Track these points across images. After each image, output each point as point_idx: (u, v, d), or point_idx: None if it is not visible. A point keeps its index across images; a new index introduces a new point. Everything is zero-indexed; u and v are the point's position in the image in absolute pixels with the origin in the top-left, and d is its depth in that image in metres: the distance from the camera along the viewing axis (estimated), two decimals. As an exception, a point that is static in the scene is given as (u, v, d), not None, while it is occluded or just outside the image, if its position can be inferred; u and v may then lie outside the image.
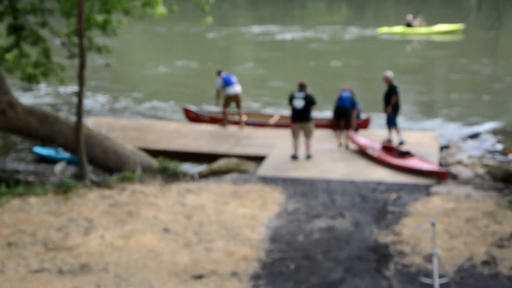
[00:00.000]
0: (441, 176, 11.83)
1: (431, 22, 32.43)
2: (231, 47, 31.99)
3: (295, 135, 13.11)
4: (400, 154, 12.80)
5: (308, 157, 13.15)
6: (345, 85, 14.85)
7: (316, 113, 17.62)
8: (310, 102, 12.89)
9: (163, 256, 8.71)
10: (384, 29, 32.21)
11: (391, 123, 13.99)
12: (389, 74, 14.03)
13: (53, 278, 8.12)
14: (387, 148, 13.21)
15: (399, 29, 31.99)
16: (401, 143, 13.86)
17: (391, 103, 13.78)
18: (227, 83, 15.28)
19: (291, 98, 12.98)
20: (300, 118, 12.93)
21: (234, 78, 15.46)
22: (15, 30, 13.89)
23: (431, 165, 12.21)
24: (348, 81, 17.30)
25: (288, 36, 33.05)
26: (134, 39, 33.20)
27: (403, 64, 25.16)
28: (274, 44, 31.27)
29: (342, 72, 24.48)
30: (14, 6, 13.68)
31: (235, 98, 15.40)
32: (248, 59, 29.07)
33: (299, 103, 12.87)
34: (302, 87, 12.98)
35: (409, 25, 31.86)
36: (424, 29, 31.64)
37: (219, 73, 15.58)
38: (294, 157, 13.14)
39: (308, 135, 13.13)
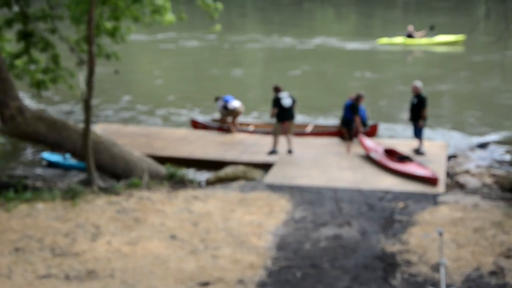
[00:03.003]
0: (432, 182, 11.96)
1: (434, 32, 32.33)
2: (239, 54, 32.06)
3: (279, 133, 13.91)
4: (400, 158, 12.94)
5: (291, 152, 13.85)
6: (351, 93, 15.01)
7: (322, 121, 17.72)
8: (294, 100, 14.03)
9: (170, 263, 8.71)
10: (384, 40, 32.11)
11: (418, 133, 13.95)
12: (419, 84, 13.92)
13: (60, 283, 8.14)
14: (390, 152, 13.34)
15: (399, 39, 31.89)
16: (418, 152, 13.84)
17: (422, 116, 13.74)
18: (228, 101, 15.96)
19: (278, 100, 13.80)
20: (288, 115, 13.96)
21: (232, 97, 16.17)
22: (25, 36, 14.00)
23: (425, 171, 12.31)
24: (351, 90, 17.31)
25: (292, 45, 33.09)
26: (141, 45, 33.34)
27: (407, 74, 25.10)
28: (279, 51, 31.33)
29: (346, 81, 24.47)
30: (24, 13, 13.79)
31: (236, 112, 16.00)
32: (255, 66, 29.13)
33: (288, 102, 13.88)
34: (280, 88, 13.92)
35: (410, 35, 31.78)
36: (425, 40, 31.53)
37: (217, 99, 16.31)
38: (274, 152, 13.86)
39: (291, 131, 14.08)
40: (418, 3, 52.72)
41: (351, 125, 14.25)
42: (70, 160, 14.00)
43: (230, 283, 8.15)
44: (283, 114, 13.84)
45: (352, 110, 14.28)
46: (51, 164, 14.34)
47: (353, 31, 39.99)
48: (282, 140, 14.22)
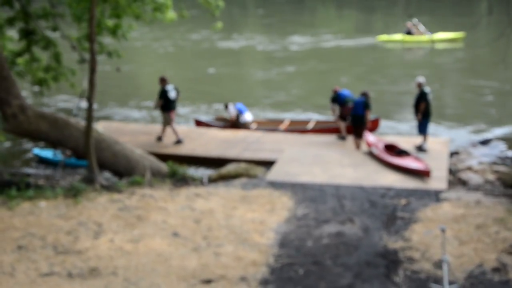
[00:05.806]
0: (424, 174, 12.10)
1: (435, 29, 32.21)
2: (242, 52, 32.05)
3: (172, 122, 14.92)
4: (397, 152, 13.03)
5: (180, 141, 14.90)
6: (336, 85, 15.43)
7: (321, 117, 17.71)
8: (178, 91, 15.16)
9: (172, 260, 8.72)
10: (384, 37, 31.98)
11: (422, 129, 13.94)
12: (421, 79, 13.94)
13: (63, 281, 8.15)
14: (390, 147, 13.42)
15: (398, 37, 31.77)
16: (421, 149, 13.83)
17: (420, 110, 13.75)
18: (241, 111, 16.33)
19: (166, 92, 14.77)
20: (175, 106, 15.07)
21: (244, 107, 16.59)
22: (27, 34, 13.98)
23: (419, 164, 12.42)
24: (354, 87, 17.31)
25: (294, 43, 33.05)
26: (143, 43, 33.34)
27: (408, 71, 25.05)
28: (280, 51, 31.31)
29: (344, 78, 24.45)
30: (26, 11, 13.77)
31: (248, 125, 16.41)
32: (257, 66, 29.12)
33: (174, 94, 14.96)
34: (166, 80, 14.90)
35: (409, 33, 31.65)
36: (424, 37, 31.41)
37: (226, 106, 16.65)
38: (181, 141, 14.89)
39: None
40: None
41: (363, 121, 14.07)
42: (59, 156, 14.13)
43: (233, 280, 8.15)
44: (170, 105, 14.90)
45: (365, 106, 14.12)
46: (42, 160, 14.43)
47: (354, 28, 39.92)
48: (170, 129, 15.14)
